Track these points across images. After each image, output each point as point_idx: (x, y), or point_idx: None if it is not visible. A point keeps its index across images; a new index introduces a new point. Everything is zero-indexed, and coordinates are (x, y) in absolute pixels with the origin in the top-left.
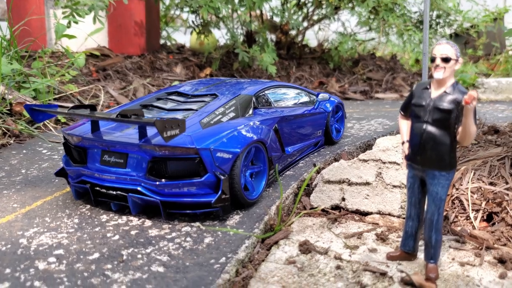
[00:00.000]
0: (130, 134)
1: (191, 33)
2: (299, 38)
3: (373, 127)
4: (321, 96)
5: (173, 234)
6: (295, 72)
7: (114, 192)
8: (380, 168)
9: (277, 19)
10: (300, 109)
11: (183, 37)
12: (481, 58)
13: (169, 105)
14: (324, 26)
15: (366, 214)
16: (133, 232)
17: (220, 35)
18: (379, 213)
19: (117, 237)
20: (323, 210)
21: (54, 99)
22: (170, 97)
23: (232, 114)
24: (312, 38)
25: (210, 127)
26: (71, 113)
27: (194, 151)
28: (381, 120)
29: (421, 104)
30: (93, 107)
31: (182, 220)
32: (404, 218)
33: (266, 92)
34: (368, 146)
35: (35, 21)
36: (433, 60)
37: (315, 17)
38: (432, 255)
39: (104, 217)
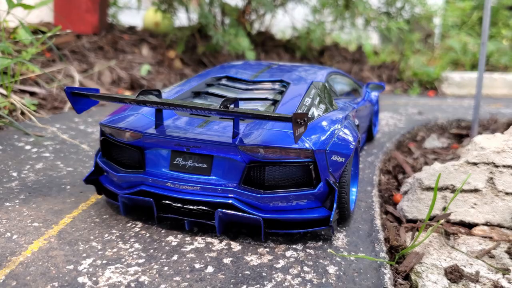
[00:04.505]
0: (214, 131)
1: (156, 10)
2: (260, 24)
3: (390, 122)
4: (372, 86)
5: (281, 262)
6: (265, 58)
7: (194, 207)
8: (491, 172)
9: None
10: (360, 100)
11: (124, 18)
12: (416, 53)
13: (230, 93)
14: (286, 11)
15: (470, 225)
16: (226, 261)
17: (176, 16)
18: (486, 224)
19: (210, 268)
20: (414, 221)
21: (19, 81)
22: (224, 82)
23: (323, 106)
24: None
25: (311, 123)
26: (140, 100)
27: (308, 154)
28: (390, 114)
29: None
30: (158, 93)
31: (276, 241)
32: None
33: (329, 79)
34: (399, 142)
35: None
36: None
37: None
38: None
39: (171, 239)
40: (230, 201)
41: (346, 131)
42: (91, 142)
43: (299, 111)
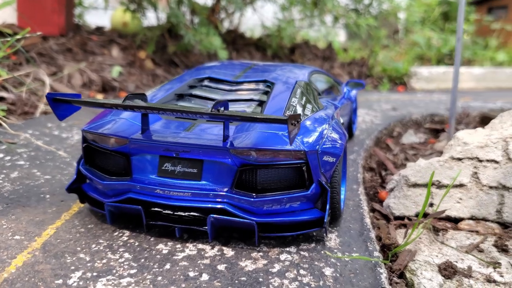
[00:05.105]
0: (203, 134)
1: (125, 10)
2: (229, 22)
3: (367, 118)
4: (352, 84)
5: (277, 266)
6: (237, 57)
7: (185, 214)
8: (475, 167)
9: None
10: (341, 98)
11: (89, 18)
12: (384, 49)
13: (215, 94)
14: (255, 10)
15: (456, 220)
16: (221, 267)
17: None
18: (472, 218)
19: (205, 276)
20: (401, 218)
21: None
22: (206, 84)
23: (310, 106)
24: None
25: (301, 123)
26: (128, 105)
27: (300, 155)
28: (365, 111)
29: None
30: (144, 97)
31: (269, 245)
32: (498, 222)
33: (311, 78)
34: (377, 139)
35: None
36: None
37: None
38: None
39: (162, 247)
40: (222, 206)
41: (335, 130)
42: (67, 148)
43: (288, 112)
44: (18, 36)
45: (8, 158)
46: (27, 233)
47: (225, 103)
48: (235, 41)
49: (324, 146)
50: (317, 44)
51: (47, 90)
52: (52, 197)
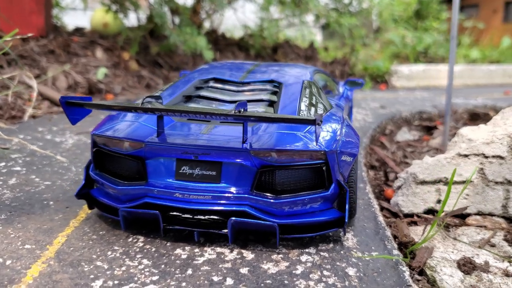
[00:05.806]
0: (221, 136)
1: (107, 10)
2: (210, 22)
3: (359, 117)
4: (350, 82)
5: (300, 268)
6: (220, 58)
7: (205, 217)
8: (482, 163)
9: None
10: (341, 98)
11: (67, 19)
12: (364, 47)
13: (223, 95)
14: (235, 9)
15: (463, 216)
16: (244, 271)
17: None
18: (478, 213)
19: (230, 280)
20: (410, 215)
21: None
22: (212, 85)
23: (321, 106)
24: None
25: None
26: (147, 108)
27: (320, 156)
28: (356, 110)
29: None
30: (160, 100)
31: (287, 246)
32: (504, 217)
33: (314, 77)
34: (372, 137)
35: None
36: None
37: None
38: None
39: (180, 252)
40: (243, 209)
41: (349, 130)
42: (63, 152)
43: (301, 112)
44: (6, 38)
45: (2, 164)
46: (37, 241)
47: (244, 104)
48: (217, 41)
49: (342, 146)
50: (296, 43)
51: (35, 94)
52: (56, 204)
